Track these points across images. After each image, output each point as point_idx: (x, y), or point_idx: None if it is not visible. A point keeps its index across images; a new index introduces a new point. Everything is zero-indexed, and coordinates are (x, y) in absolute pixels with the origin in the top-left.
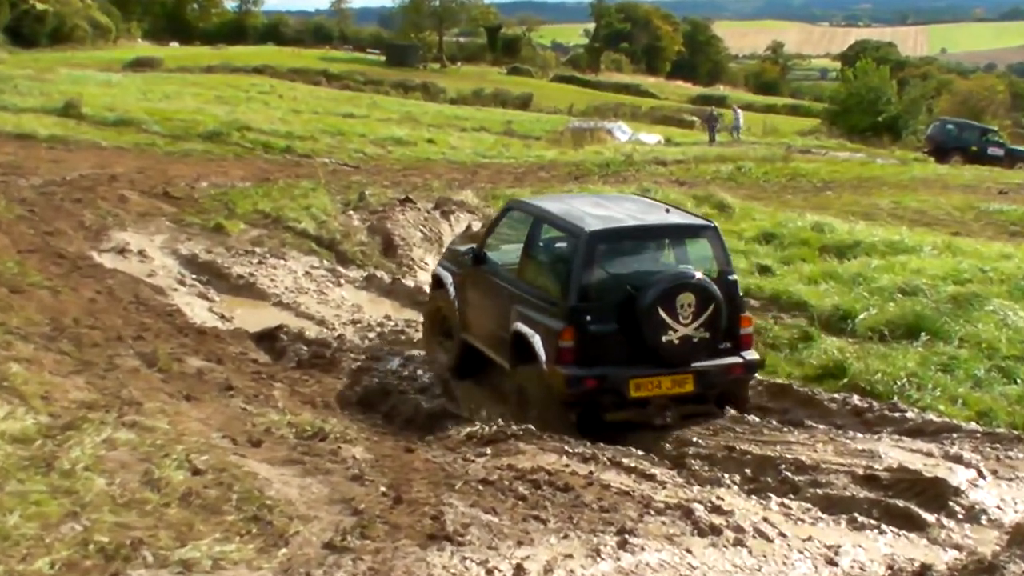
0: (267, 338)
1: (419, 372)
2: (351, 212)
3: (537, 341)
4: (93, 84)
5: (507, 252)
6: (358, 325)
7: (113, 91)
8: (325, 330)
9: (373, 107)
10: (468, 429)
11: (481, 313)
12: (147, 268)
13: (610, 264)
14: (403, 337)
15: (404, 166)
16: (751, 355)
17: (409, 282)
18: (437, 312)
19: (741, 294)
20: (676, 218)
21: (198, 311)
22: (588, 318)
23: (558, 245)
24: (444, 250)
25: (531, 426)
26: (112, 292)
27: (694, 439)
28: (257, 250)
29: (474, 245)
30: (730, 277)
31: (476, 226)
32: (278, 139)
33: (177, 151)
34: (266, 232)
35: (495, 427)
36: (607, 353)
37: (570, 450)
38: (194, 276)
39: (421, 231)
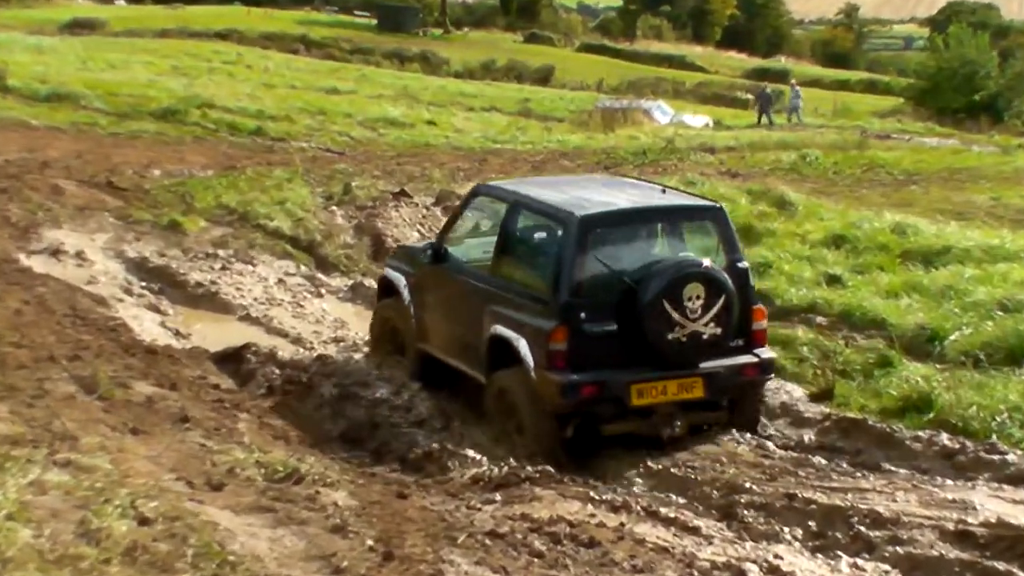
0: (231, 359)
1: (415, 400)
2: (334, 208)
3: (523, 345)
4: (21, 50)
5: (473, 247)
6: (341, 344)
7: (46, 58)
8: (302, 350)
9: (362, 81)
10: (474, 471)
11: (444, 319)
12: (86, 274)
13: (604, 253)
14: (397, 359)
15: (399, 153)
16: (766, 353)
17: None
18: (386, 324)
19: (753, 283)
20: (678, 199)
21: (148, 326)
22: (583, 316)
23: (541, 234)
24: (393, 250)
25: (518, 445)
26: (43, 302)
27: (746, 484)
28: (220, 253)
29: (431, 241)
30: (740, 265)
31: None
32: (247, 119)
33: (123, 132)
34: (231, 231)
35: (506, 467)
36: (605, 356)
37: (597, 496)
38: (143, 284)
39: (419, 231)
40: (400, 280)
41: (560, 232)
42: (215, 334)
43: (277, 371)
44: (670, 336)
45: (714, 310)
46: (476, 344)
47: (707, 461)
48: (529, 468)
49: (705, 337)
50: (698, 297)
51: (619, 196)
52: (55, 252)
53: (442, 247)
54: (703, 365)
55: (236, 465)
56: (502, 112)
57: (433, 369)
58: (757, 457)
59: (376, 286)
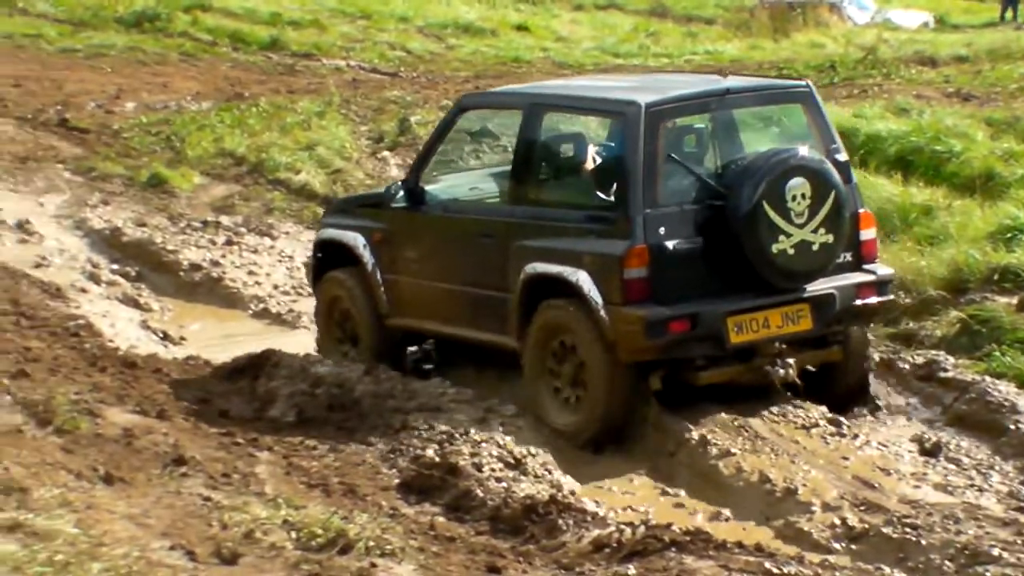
0: (244, 374)
1: (506, 428)
2: (386, 153)
3: (584, 279)
4: None
5: (459, 184)
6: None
7: None
8: (344, 359)
9: None
10: (596, 532)
11: (438, 277)
12: (32, 253)
13: (680, 151)
14: (474, 372)
15: (476, 73)
16: (882, 269)
17: None
18: (334, 304)
19: (855, 180)
20: (755, 82)
21: (123, 328)
22: (663, 231)
23: (582, 140)
24: (330, 204)
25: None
26: None
27: (994, 550)
28: (224, 221)
29: (400, 182)
30: (840, 157)
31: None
32: (257, 27)
33: (80, 48)
34: (239, 190)
35: (641, 527)
36: (693, 282)
37: (776, 570)
38: (115, 267)
39: None
40: (357, 240)
41: (620, 127)
42: (219, 338)
43: (310, 390)
44: (775, 248)
45: (823, 212)
46: (498, 297)
47: (934, 516)
48: (676, 529)
49: (816, 248)
50: (804, 196)
51: (679, 84)
52: None
53: (418, 186)
54: (810, 288)
55: (256, 527)
56: (624, 11)
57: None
58: (1008, 510)
59: (313, 257)
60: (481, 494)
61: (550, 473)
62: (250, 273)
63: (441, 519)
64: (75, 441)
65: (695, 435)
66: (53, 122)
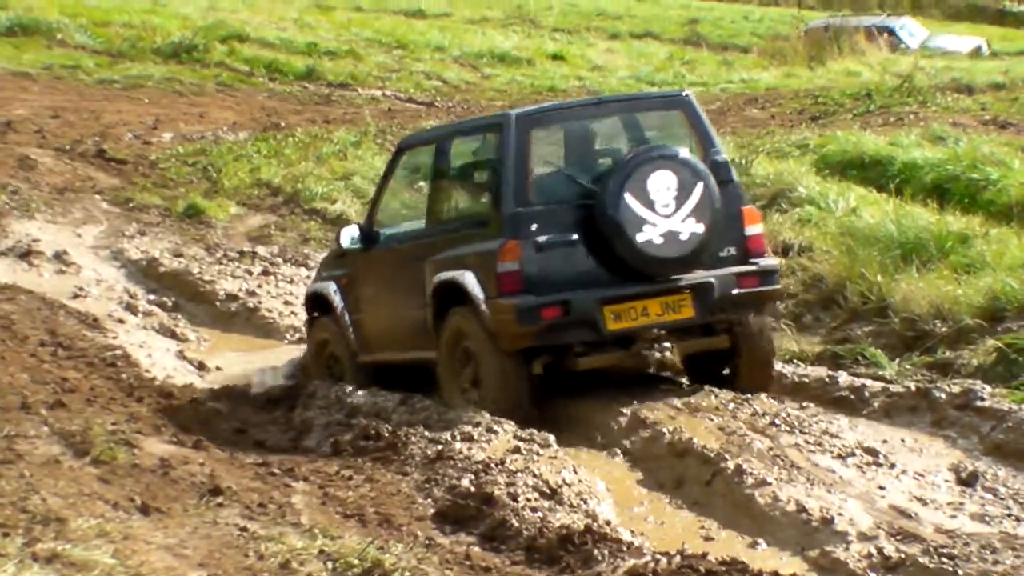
0: (280, 404)
1: (542, 457)
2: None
3: (470, 279)
4: None
5: (408, 226)
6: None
7: None
8: (380, 390)
9: None
10: (632, 561)
11: (387, 309)
12: (70, 284)
13: (551, 155)
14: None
15: (512, 102)
16: (767, 261)
17: None
18: (324, 347)
19: (737, 179)
20: (635, 94)
21: (160, 358)
22: (534, 227)
23: (475, 156)
24: (320, 262)
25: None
26: (10, 326)
27: None
28: (261, 251)
29: (357, 224)
30: (719, 157)
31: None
32: (293, 56)
33: (118, 79)
34: (275, 220)
35: (677, 556)
36: (569, 273)
37: None
38: (152, 297)
39: None
40: (329, 288)
41: (497, 138)
42: (255, 368)
43: (345, 420)
44: (640, 238)
45: (691, 202)
46: (421, 315)
47: (971, 546)
48: (712, 559)
49: (684, 237)
50: (668, 188)
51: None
52: (25, 253)
53: (372, 228)
54: (690, 278)
55: (292, 557)
56: (660, 39)
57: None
58: None
59: (305, 307)
60: (516, 524)
61: (585, 503)
62: (286, 303)
63: (476, 549)
64: (112, 471)
65: (731, 464)
66: (91, 153)
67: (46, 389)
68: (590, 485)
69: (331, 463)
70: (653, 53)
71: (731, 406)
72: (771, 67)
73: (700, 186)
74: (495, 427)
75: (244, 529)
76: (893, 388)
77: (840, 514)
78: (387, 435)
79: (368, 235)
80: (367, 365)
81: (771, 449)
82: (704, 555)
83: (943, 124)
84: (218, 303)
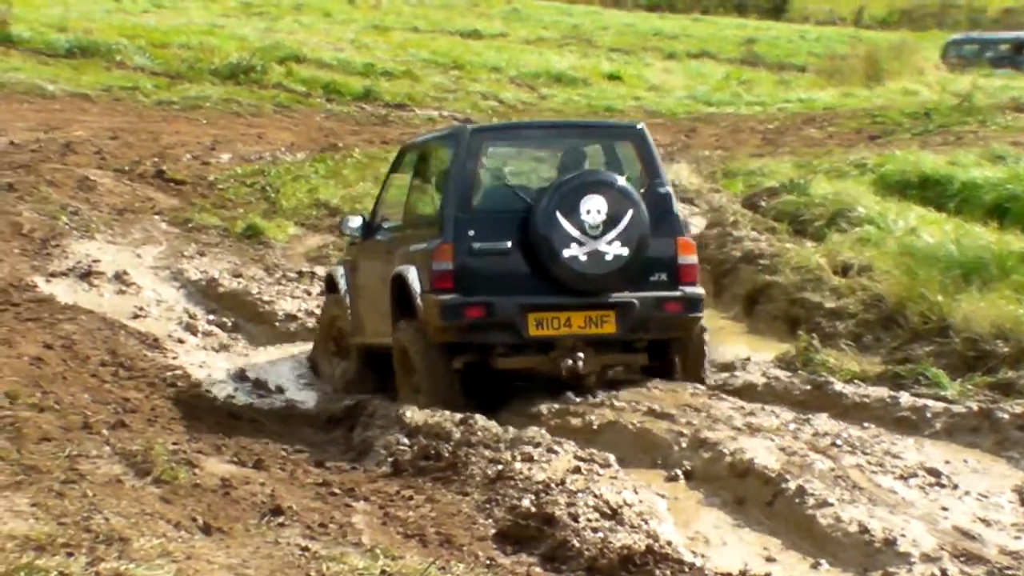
0: (340, 424)
1: (602, 477)
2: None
3: (412, 274)
4: None
5: (395, 222)
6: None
7: None
8: (440, 410)
9: (514, 19)
10: None
11: (371, 295)
12: (131, 304)
13: (502, 170)
14: (574, 420)
15: None
16: (693, 289)
17: None
18: (332, 324)
19: (678, 211)
20: (593, 121)
21: (220, 377)
22: (472, 233)
23: (438, 164)
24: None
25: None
26: (72, 346)
27: None
28: (319, 271)
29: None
30: (661, 189)
31: (695, 223)
32: (351, 77)
33: (176, 100)
34: (334, 240)
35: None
36: (499, 279)
37: None
38: (212, 317)
39: None
40: (337, 271)
41: (452, 148)
42: (314, 388)
43: (405, 440)
44: (566, 253)
45: (619, 227)
46: (387, 305)
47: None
48: None
49: (609, 258)
50: (598, 211)
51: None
52: (86, 274)
53: (373, 220)
54: (615, 296)
55: None
56: (717, 59)
57: (374, 370)
58: None
59: (325, 282)
60: (577, 544)
61: (646, 523)
62: None
63: (538, 569)
64: (174, 491)
65: (792, 485)
66: (150, 174)
67: (107, 409)
68: (651, 505)
69: (391, 483)
70: (710, 73)
71: (792, 426)
72: (828, 86)
73: (630, 213)
74: (555, 447)
75: (305, 549)
76: (955, 408)
77: (903, 535)
78: (447, 455)
79: (368, 225)
80: (359, 347)
81: (833, 469)
82: None
83: (1003, 143)
84: (277, 323)
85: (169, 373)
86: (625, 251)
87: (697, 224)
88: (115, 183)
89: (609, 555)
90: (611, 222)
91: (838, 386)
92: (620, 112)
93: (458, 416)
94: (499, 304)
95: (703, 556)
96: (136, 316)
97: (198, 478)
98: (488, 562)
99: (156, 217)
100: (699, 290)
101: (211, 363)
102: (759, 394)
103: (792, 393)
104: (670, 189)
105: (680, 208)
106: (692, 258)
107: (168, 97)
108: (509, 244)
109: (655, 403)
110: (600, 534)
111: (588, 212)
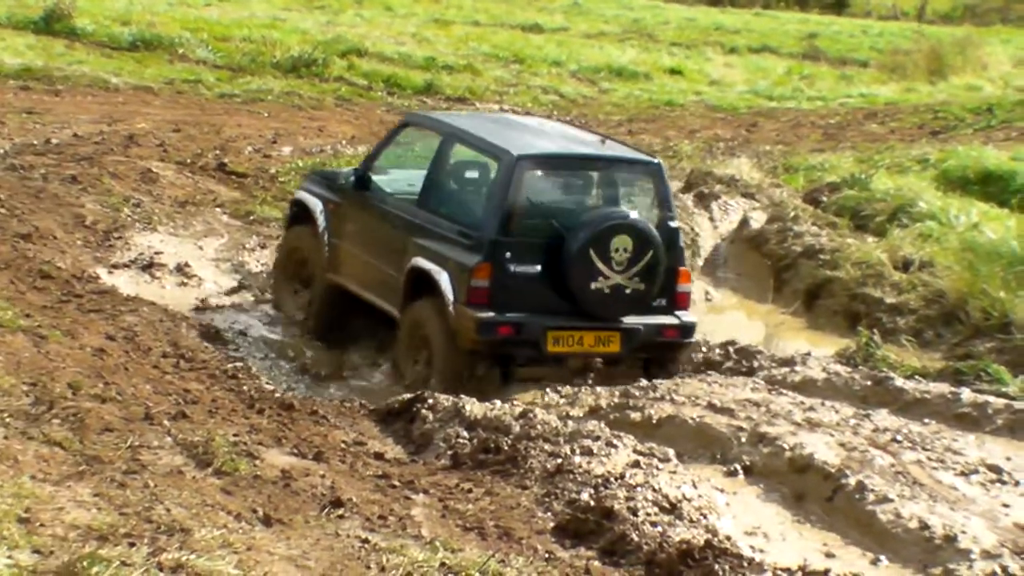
0: (399, 416)
1: (662, 471)
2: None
3: (444, 279)
4: None
5: (398, 178)
6: (557, 393)
7: None
8: (499, 402)
9: (575, 12)
10: None
11: (363, 249)
12: (192, 295)
13: (537, 196)
14: (634, 414)
15: (630, 116)
16: (688, 317)
17: None
18: (294, 253)
19: (683, 245)
20: (617, 151)
21: (281, 369)
22: (508, 255)
23: (474, 170)
24: (309, 172)
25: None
26: (134, 337)
27: None
28: None
29: (355, 168)
30: (671, 224)
31: (755, 218)
32: (412, 71)
33: (238, 93)
34: None
35: (799, 574)
36: (526, 298)
37: None
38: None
39: None
40: (316, 205)
41: (495, 169)
42: (376, 379)
43: (465, 433)
44: (593, 286)
45: (640, 264)
46: (394, 277)
47: None
48: (833, 574)
49: (628, 291)
50: (625, 250)
51: (558, 141)
52: (148, 265)
53: (367, 174)
54: (623, 320)
55: (413, 569)
56: (778, 54)
57: (337, 306)
58: None
59: (288, 210)
60: (636, 538)
61: (705, 517)
62: None
63: (596, 563)
64: (234, 483)
65: (852, 481)
66: (212, 166)
67: (169, 400)
68: (710, 500)
69: (451, 476)
70: (771, 67)
71: (852, 422)
72: (890, 81)
73: (651, 253)
74: (614, 441)
75: (365, 541)
76: (1016, 405)
77: (963, 532)
78: (507, 448)
79: (362, 180)
80: (331, 283)
81: (893, 465)
82: (826, 571)
83: None
84: None
85: (230, 365)
86: (643, 286)
87: (757, 219)
88: (177, 175)
89: (668, 549)
90: (634, 260)
91: (899, 382)
92: (681, 107)
93: (517, 409)
94: (527, 324)
95: (762, 551)
96: (198, 308)
97: (258, 469)
98: (547, 555)
99: (217, 209)
100: (693, 317)
101: (271, 355)
102: (819, 389)
103: (852, 388)
104: (679, 224)
105: (683, 242)
106: (689, 287)
107: (230, 90)
108: (539, 268)
109: (714, 398)
110: (659, 528)
111: (616, 251)
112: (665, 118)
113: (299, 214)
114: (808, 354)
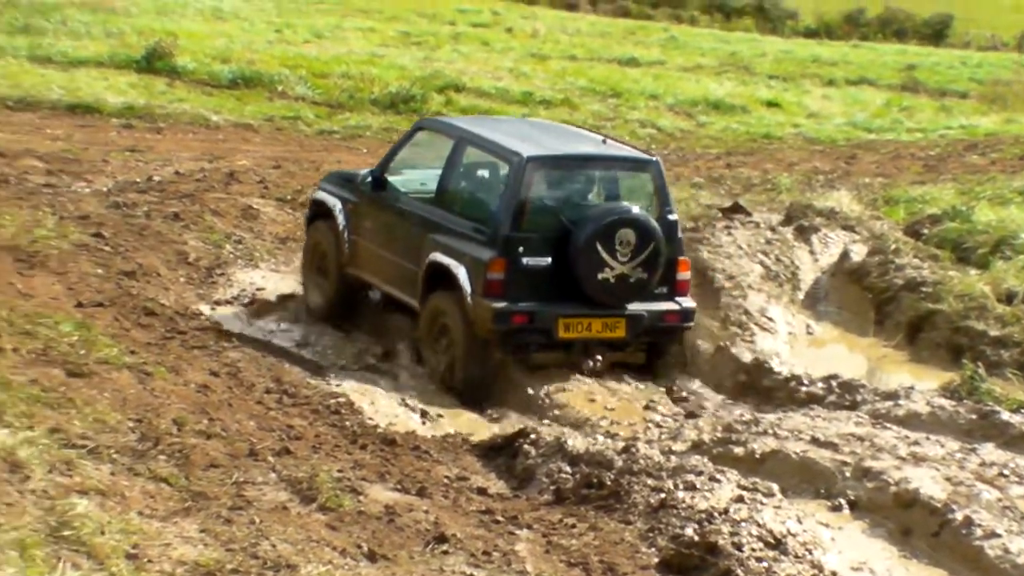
0: (502, 452)
1: (766, 506)
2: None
3: (462, 272)
4: (193, 14)
5: (413, 178)
6: (660, 428)
7: (227, 26)
8: (601, 437)
9: (671, 46)
10: None
11: (381, 245)
12: (294, 332)
13: (545, 194)
14: (737, 449)
15: (728, 149)
16: (687, 302)
17: (742, 351)
18: (317, 248)
19: (681, 235)
20: (618, 150)
21: (383, 405)
22: (521, 249)
23: (485, 171)
24: (327, 173)
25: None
26: (237, 374)
27: None
28: None
29: (370, 169)
30: (670, 216)
31: (856, 251)
32: (510, 105)
33: (338, 130)
34: None
35: None
36: (538, 289)
37: None
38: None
39: (761, 261)
40: (335, 204)
41: (506, 170)
42: (475, 416)
43: (567, 468)
44: (599, 276)
45: (643, 255)
46: (412, 271)
47: None
48: None
49: (632, 280)
50: (629, 242)
51: (562, 142)
52: (250, 302)
53: (383, 176)
54: (627, 307)
55: None
56: (876, 86)
57: (346, 302)
58: None
59: (308, 210)
60: (742, 574)
61: (811, 553)
62: None
63: None
64: (339, 518)
65: (959, 515)
66: None
67: (273, 436)
68: (815, 535)
69: (554, 511)
70: (869, 99)
71: (958, 456)
72: (991, 112)
73: (653, 244)
74: (718, 476)
75: None
76: None
77: None
78: (610, 483)
79: (378, 181)
80: (350, 276)
81: (1000, 500)
82: None
83: None
84: None
85: (332, 400)
86: (645, 275)
87: (858, 252)
88: (277, 212)
89: None
90: (637, 251)
91: (1004, 415)
92: (779, 139)
93: (620, 444)
94: (540, 313)
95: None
96: (299, 344)
97: (363, 505)
98: None
99: None
100: (691, 303)
101: (374, 391)
102: (923, 423)
103: (957, 422)
104: (677, 216)
105: (682, 234)
106: (688, 275)
107: (329, 126)
108: (549, 260)
109: (818, 432)
110: (764, 564)
111: (621, 243)
112: (763, 151)
113: (318, 213)
114: (912, 388)
